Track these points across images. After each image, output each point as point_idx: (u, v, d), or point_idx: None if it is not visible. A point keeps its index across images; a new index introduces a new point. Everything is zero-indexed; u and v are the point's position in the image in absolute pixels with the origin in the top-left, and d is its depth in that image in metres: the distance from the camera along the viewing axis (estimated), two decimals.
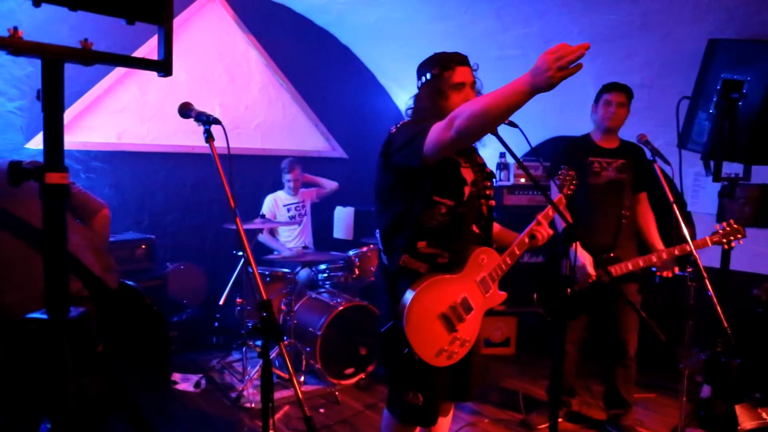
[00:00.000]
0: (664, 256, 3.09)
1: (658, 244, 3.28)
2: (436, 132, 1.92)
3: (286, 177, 5.01)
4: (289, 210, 5.05)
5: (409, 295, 2.09)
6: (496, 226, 2.46)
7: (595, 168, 3.34)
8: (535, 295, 3.42)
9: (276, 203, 5.02)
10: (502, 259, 2.30)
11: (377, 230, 2.27)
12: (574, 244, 2.16)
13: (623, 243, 3.31)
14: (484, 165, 2.36)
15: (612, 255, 3.24)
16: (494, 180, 2.42)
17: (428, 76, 2.18)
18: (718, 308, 2.53)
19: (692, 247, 2.84)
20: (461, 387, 2.37)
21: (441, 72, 2.15)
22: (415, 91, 2.29)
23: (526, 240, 2.34)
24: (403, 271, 2.15)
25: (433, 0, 4.41)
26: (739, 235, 2.89)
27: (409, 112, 2.29)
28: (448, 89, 2.14)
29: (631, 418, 3.43)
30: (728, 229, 2.92)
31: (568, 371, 3.49)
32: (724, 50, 3.12)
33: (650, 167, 3.17)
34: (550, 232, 2.36)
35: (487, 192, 2.31)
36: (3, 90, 4.07)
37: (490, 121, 1.79)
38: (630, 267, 3.15)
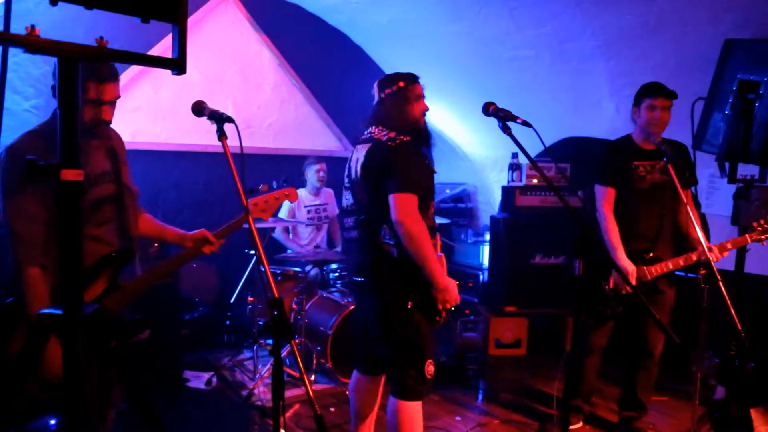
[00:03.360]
0: (707, 256, 2.88)
1: (700, 241, 3.09)
2: (406, 204, 2.47)
3: (314, 168, 4.89)
4: (309, 212, 4.98)
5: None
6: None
7: (640, 172, 3.24)
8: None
9: (298, 203, 4.93)
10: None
11: (384, 225, 2.54)
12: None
13: (662, 242, 3.25)
14: None
15: (652, 255, 3.18)
16: None
17: (394, 88, 2.64)
18: (732, 311, 2.50)
19: (705, 248, 2.79)
20: None
21: (407, 85, 2.65)
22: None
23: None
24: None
25: (447, 0, 4.40)
26: None
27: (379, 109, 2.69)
28: (413, 99, 2.66)
29: (644, 422, 3.41)
30: (766, 225, 2.94)
31: (590, 377, 3.46)
32: (740, 50, 3.08)
33: (692, 163, 3.17)
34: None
35: None
36: (20, 89, 4.11)
37: (412, 247, 2.45)
38: (671, 266, 3.11)
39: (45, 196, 2.05)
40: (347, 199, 2.74)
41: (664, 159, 2.93)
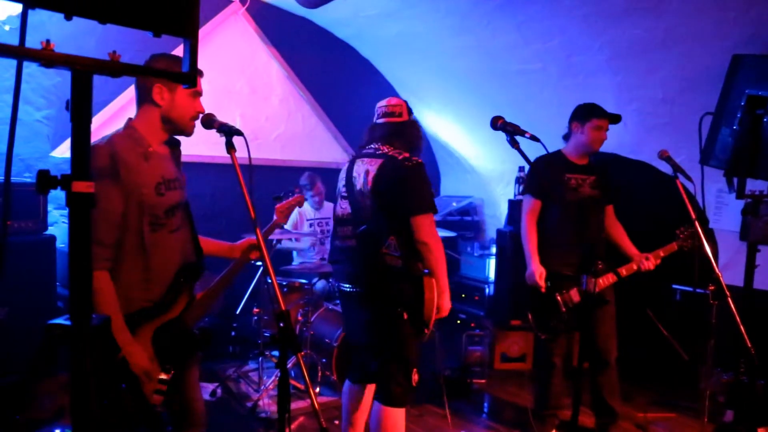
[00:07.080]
0: (645, 264, 3.29)
1: (634, 251, 3.41)
2: (430, 224, 2.63)
3: (309, 194, 5.02)
4: (311, 226, 5.04)
5: (433, 286, 2.65)
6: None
7: (572, 184, 3.38)
8: (530, 316, 3.46)
9: (301, 217, 5.01)
10: None
11: (392, 236, 2.61)
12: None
13: (603, 255, 3.41)
14: None
15: (601, 267, 3.23)
16: None
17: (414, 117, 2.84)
18: (741, 328, 2.49)
19: (715, 266, 2.79)
20: None
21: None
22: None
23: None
24: (417, 271, 2.65)
25: (455, 14, 4.43)
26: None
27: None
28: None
29: (618, 427, 3.49)
30: (687, 232, 3.20)
31: (556, 383, 3.53)
32: (748, 66, 3.08)
33: (612, 181, 3.42)
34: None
35: None
36: (31, 99, 4.15)
37: (434, 263, 2.64)
38: (614, 278, 3.29)
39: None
40: (343, 207, 2.80)
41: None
